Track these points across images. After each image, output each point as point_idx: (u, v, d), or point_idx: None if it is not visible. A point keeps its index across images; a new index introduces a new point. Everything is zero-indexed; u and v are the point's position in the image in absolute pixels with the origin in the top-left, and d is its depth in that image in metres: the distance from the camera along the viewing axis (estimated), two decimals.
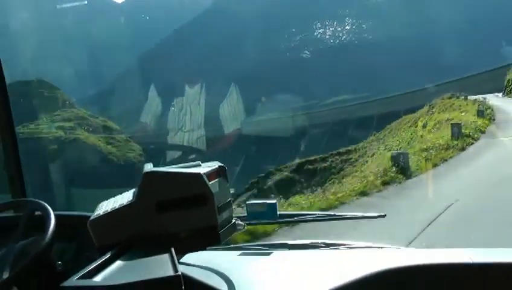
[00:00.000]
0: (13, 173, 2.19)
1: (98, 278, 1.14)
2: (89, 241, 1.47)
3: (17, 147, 2.19)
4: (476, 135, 19.81)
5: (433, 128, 28.56)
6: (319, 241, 1.79)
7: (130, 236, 1.37)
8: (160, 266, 1.19)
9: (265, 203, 1.81)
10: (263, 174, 31.17)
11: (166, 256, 1.24)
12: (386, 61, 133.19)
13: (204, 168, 1.45)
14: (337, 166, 38.25)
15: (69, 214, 2.03)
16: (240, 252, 1.74)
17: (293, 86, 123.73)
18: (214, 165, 1.49)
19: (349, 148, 49.16)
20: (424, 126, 39.77)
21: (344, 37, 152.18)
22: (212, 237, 1.39)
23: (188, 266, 1.44)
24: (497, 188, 9.61)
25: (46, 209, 1.61)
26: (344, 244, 1.75)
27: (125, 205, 1.39)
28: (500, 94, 48.55)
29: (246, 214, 1.81)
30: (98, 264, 1.21)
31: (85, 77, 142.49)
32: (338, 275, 1.36)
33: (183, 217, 1.36)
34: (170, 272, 1.14)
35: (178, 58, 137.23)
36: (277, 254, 1.68)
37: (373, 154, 35.06)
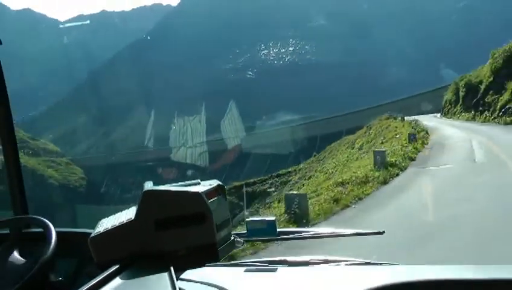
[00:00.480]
0: (15, 190, 2.11)
1: None
2: (89, 258, 1.46)
3: (19, 164, 2.12)
4: (403, 164, 16.72)
5: (366, 153, 25.70)
6: (319, 257, 1.72)
7: (129, 253, 1.36)
8: (158, 283, 1.19)
9: (265, 220, 1.80)
10: None
11: (164, 273, 1.24)
12: (329, 82, 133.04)
13: (203, 186, 1.43)
14: (277, 189, 37.14)
15: (70, 231, 1.96)
16: (238, 268, 1.67)
17: (237, 106, 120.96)
18: (213, 183, 1.47)
19: (289, 169, 46.73)
20: (360, 148, 37.01)
21: (288, 58, 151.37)
22: (210, 254, 1.38)
23: (187, 283, 1.41)
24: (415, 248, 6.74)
25: (47, 226, 1.58)
26: (344, 261, 1.69)
27: (125, 223, 1.38)
28: (439, 114, 46.81)
29: (245, 231, 1.78)
30: (98, 281, 1.20)
31: (24, 97, 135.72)
32: None
33: (182, 235, 1.35)
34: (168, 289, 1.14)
35: (121, 80, 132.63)
36: (276, 270, 1.60)
37: (310, 177, 33.58)
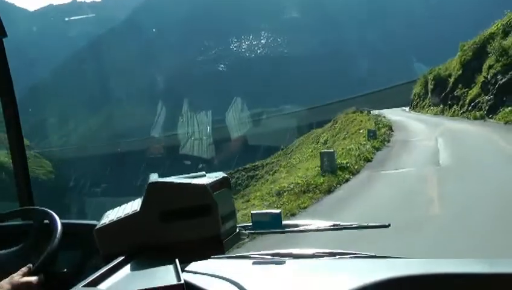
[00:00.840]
0: (21, 182, 2.11)
1: (102, 286, 1.14)
2: (94, 250, 1.45)
3: (25, 155, 2.13)
4: (356, 166, 14.32)
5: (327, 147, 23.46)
6: (324, 250, 1.69)
7: (134, 245, 1.36)
8: (163, 274, 1.19)
9: (270, 213, 1.79)
10: None
11: (170, 265, 1.23)
12: (302, 74, 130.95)
13: (208, 178, 1.42)
14: (243, 183, 36.66)
15: (75, 222, 1.94)
16: (243, 261, 1.65)
17: (209, 98, 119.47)
18: (219, 175, 1.46)
19: (257, 163, 44.79)
20: (325, 143, 35.02)
21: (260, 50, 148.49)
22: (215, 246, 1.38)
23: (192, 274, 1.39)
24: None
25: (54, 218, 1.58)
26: (349, 254, 1.67)
27: (130, 215, 1.38)
28: (407, 108, 44.89)
29: (250, 224, 1.76)
30: (103, 273, 1.20)
31: None
32: (343, 285, 1.32)
33: (187, 227, 1.35)
34: (173, 281, 1.13)
35: (90, 72, 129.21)
36: (282, 263, 1.58)
37: (275, 172, 31.82)
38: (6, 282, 1.36)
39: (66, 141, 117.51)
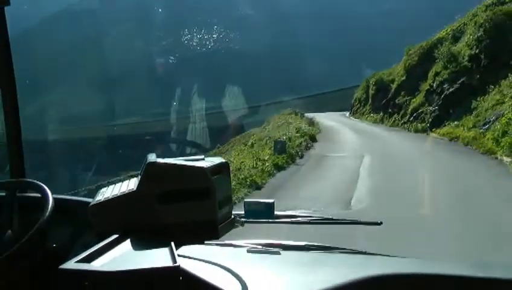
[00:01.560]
0: (14, 154, 2.08)
1: (96, 263, 1.10)
2: (85, 227, 1.43)
3: (20, 127, 2.09)
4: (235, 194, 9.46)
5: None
6: (315, 244, 1.67)
7: (129, 224, 1.32)
8: (158, 256, 1.16)
9: (263, 202, 1.76)
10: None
11: (165, 246, 1.21)
12: (251, 72, 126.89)
13: (207, 162, 1.38)
14: None
15: (67, 198, 1.90)
16: (236, 249, 1.59)
17: (157, 91, 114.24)
18: (217, 160, 1.43)
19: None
20: (252, 145, 30.63)
21: (211, 45, 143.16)
22: (210, 231, 1.36)
23: (184, 259, 1.30)
24: None
25: (45, 191, 1.52)
26: (339, 249, 1.65)
27: (126, 193, 1.34)
28: (348, 113, 41.16)
29: (243, 212, 1.73)
30: (97, 249, 1.17)
31: None
32: (331, 279, 1.29)
33: (183, 209, 1.32)
34: (169, 263, 1.11)
35: (33, 57, 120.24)
36: (275, 253, 1.53)
37: None
38: None
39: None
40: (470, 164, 11.95)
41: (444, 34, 26.28)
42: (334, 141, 19.93)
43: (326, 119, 33.99)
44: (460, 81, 20.78)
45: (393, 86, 29.13)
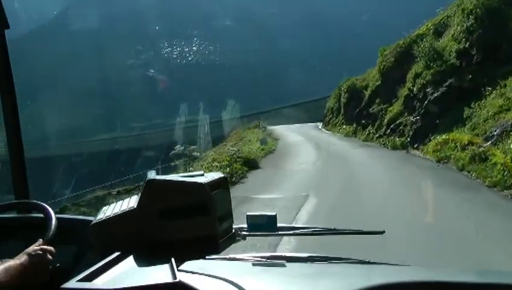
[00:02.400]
0: (17, 175, 2.04)
1: (98, 282, 1.09)
2: (88, 246, 1.41)
3: (23, 149, 2.05)
4: None
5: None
6: (318, 255, 1.63)
7: (130, 241, 1.30)
8: (159, 272, 1.14)
9: (266, 215, 1.69)
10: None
11: (165, 262, 1.19)
12: (231, 83, 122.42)
13: (206, 178, 1.36)
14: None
15: (70, 217, 1.87)
16: (238, 262, 1.56)
17: (135, 105, 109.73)
18: (217, 175, 1.40)
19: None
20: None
21: (191, 57, 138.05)
22: (211, 246, 1.33)
23: (186, 273, 1.28)
24: None
25: (48, 212, 1.50)
26: (341, 259, 1.61)
27: (127, 211, 1.32)
28: (321, 124, 36.06)
29: (245, 226, 1.67)
30: (98, 268, 1.15)
31: None
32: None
33: (184, 225, 1.29)
34: (169, 279, 1.08)
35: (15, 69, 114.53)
36: (279, 265, 1.50)
37: None
38: (23, 253, 1.28)
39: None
40: (485, 219, 6.69)
41: (425, 29, 21.31)
42: (281, 167, 14.57)
43: (293, 132, 29.04)
44: (447, 83, 15.66)
45: (367, 93, 24.15)
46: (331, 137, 25.67)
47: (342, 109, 28.39)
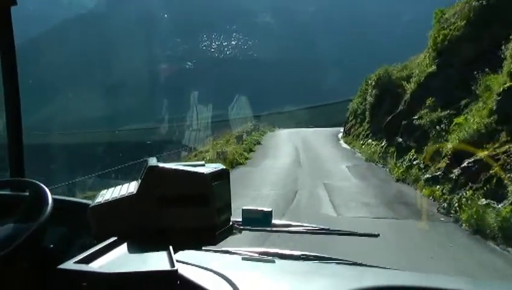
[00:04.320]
0: (14, 153, 1.92)
1: (94, 265, 1.03)
2: (82, 229, 1.36)
3: (21, 130, 1.92)
4: None
5: None
6: (311, 253, 1.56)
7: (128, 227, 1.23)
8: (157, 259, 1.08)
9: (261, 210, 1.62)
10: None
11: (163, 250, 1.13)
12: (266, 79, 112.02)
13: (208, 168, 1.29)
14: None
15: (66, 199, 1.76)
16: (232, 256, 1.51)
17: (168, 97, 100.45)
18: (218, 167, 1.33)
19: None
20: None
21: (229, 52, 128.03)
22: (208, 237, 1.26)
23: (181, 264, 1.21)
24: None
25: (44, 191, 1.41)
26: (334, 259, 1.54)
27: (126, 196, 1.25)
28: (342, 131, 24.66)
29: (240, 220, 1.60)
30: (95, 251, 1.09)
31: None
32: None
33: (182, 214, 1.22)
34: (167, 267, 1.03)
35: (49, 59, 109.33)
36: (270, 261, 1.46)
37: None
38: None
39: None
40: None
41: None
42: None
43: (296, 142, 18.45)
44: None
45: (410, 88, 12.67)
46: (346, 158, 14.42)
47: (368, 113, 16.93)
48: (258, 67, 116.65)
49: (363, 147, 16.05)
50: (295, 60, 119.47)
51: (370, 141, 15.80)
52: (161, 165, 1.22)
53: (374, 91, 15.98)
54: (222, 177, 1.28)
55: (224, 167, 1.30)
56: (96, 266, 1.00)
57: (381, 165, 12.28)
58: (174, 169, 1.23)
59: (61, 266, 0.98)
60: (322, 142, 19.73)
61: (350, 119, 21.51)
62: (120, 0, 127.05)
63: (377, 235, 1.71)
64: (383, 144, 13.44)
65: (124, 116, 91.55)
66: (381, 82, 15.44)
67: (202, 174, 1.19)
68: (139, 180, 1.23)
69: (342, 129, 27.99)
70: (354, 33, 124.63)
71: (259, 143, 19.83)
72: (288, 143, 19.23)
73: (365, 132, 17.18)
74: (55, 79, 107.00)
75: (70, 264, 0.98)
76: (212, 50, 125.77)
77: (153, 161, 1.25)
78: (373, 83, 16.15)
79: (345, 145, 18.62)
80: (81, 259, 1.01)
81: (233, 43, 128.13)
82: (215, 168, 1.28)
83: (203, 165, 1.30)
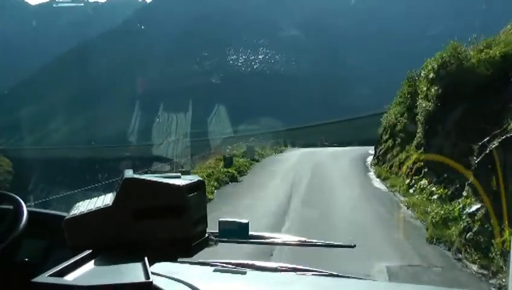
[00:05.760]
0: None
1: (69, 277, 0.98)
2: (59, 241, 1.28)
3: None
4: None
5: None
6: (288, 265, 1.51)
7: (103, 239, 1.18)
8: (132, 271, 1.03)
9: (238, 222, 1.57)
10: None
11: (138, 262, 1.07)
12: (293, 94, 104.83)
13: (184, 180, 1.23)
14: None
15: (41, 211, 1.68)
16: (207, 267, 1.46)
17: (196, 111, 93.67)
18: (194, 178, 1.27)
19: None
20: None
21: (256, 66, 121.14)
22: (184, 249, 1.20)
23: (155, 275, 1.15)
24: None
25: (19, 203, 1.35)
26: (311, 271, 1.48)
27: (102, 208, 1.20)
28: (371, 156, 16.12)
29: (217, 231, 1.54)
30: (70, 264, 1.04)
31: None
32: None
33: (158, 226, 1.17)
34: (142, 278, 0.98)
35: (82, 72, 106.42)
36: (245, 273, 1.41)
37: None
38: None
39: (41, 140, 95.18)
40: None
41: None
42: None
43: (307, 174, 10.51)
44: None
45: None
46: (384, 226, 6.43)
47: (421, 129, 8.89)
48: (285, 82, 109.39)
49: (414, 194, 8.11)
50: (322, 75, 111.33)
51: (425, 182, 7.86)
52: (137, 176, 1.15)
53: (432, 90, 8.00)
54: (198, 188, 1.21)
55: (200, 179, 1.22)
56: (71, 278, 0.95)
57: (478, 267, 4.33)
58: (150, 181, 1.15)
59: (35, 280, 0.93)
60: (342, 174, 11.83)
61: (385, 138, 13.49)
62: (146, 17, 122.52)
63: (353, 246, 1.62)
64: (467, 199, 5.49)
65: (143, 130, 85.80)
66: (450, 71, 7.47)
67: (178, 186, 1.13)
68: (115, 192, 1.16)
69: (372, 150, 20.11)
70: (383, 48, 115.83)
71: (241, 174, 12.17)
72: (286, 177, 11.45)
73: (414, 162, 9.18)
74: (85, 93, 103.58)
75: (44, 278, 0.93)
76: (239, 64, 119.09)
77: (129, 173, 1.18)
78: (431, 76, 8.17)
79: (378, 184, 10.63)
80: (56, 272, 0.96)
81: (260, 57, 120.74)
82: (191, 179, 1.20)
83: (179, 176, 1.23)
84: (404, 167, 9.67)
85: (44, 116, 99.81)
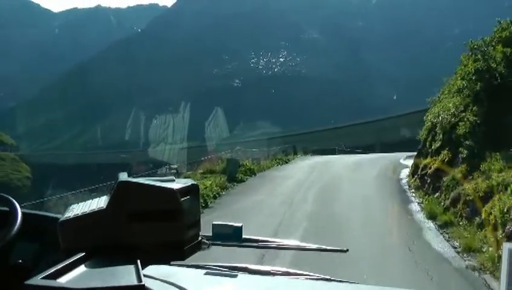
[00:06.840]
0: None
1: (62, 280, 0.95)
2: (52, 244, 1.24)
3: None
4: None
5: None
6: (281, 269, 1.47)
7: (97, 242, 1.14)
8: (124, 274, 1.00)
9: (232, 225, 1.52)
10: None
11: (131, 265, 1.04)
12: (315, 96, 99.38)
13: (177, 184, 1.19)
14: None
15: (35, 213, 1.58)
16: (200, 271, 1.40)
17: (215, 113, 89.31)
18: (188, 182, 1.23)
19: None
20: None
21: (277, 69, 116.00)
22: (176, 252, 1.17)
23: (148, 278, 1.11)
24: None
25: (13, 205, 1.29)
26: (304, 275, 1.43)
27: (96, 211, 1.16)
28: (406, 170, 9.94)
29: (211, 235, 1.50)
30: (63, 266, 1.00)
31: (9, 84, 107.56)
32: None
33: (151, 229, 1.13)
34: (134, 281, 0.96)
35: (108, 76, 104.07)
36: (236, 277, 1.35)
37: None
38: None
39: (59, 146, 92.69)
40: None
41: None
42: None
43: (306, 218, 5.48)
44: None
45: None
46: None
47: None
48: (305, 84, 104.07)
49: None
50: (344, 76, 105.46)
51: None
52: (131, 180, 1.13)
53: None
54: (191, 192, 1.17)
55: (194, 183, 1.19)
56: (64, 281, 0.93)
57: None
58: (144, 184, 1.13)
59: (28, 282, 0.90)
60: (368, 214, 6.59)
61: (435, 146, 8.24)
62: (170, 21, 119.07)
63: (346, 251, 1.58)
64: None
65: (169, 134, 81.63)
66: None
67: (171, 189, 1.10)
68: (109, 195, 1.13)
69: (404, 160, 14.83)
70: (403, 47, 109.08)
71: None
72: (269, 225, 6.34)
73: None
74: (105, 99, 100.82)
75: (37, 280, 0.90)
76: (261, 67, 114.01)
77: (123, 176, 1.15)
78: None
79: (435, 238, 5.40)
80: (49, 274, 0.93)
81: (281, 60, 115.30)
82: (185, 183, 1.18)
83: (173, 180, 1.19)
84: (492, 211, 4.39)
85: (64, 122, 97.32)
